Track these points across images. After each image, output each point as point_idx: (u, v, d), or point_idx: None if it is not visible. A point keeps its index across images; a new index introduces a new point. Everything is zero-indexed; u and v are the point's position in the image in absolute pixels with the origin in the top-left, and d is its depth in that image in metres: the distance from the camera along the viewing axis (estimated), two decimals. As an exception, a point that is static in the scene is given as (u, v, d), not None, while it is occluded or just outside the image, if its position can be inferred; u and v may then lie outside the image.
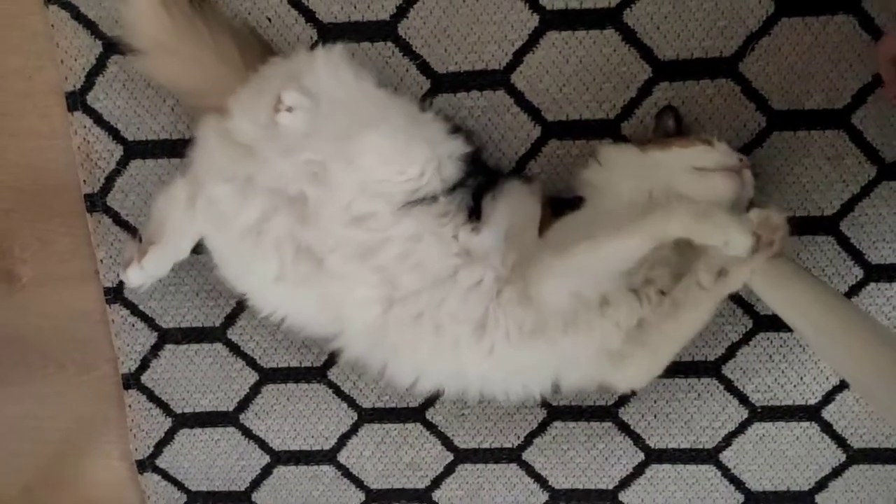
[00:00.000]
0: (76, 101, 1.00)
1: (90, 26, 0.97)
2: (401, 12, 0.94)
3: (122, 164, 1.02)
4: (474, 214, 0.83)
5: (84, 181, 1.03)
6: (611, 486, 1.09)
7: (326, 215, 0.80)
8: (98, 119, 1.00)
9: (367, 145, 0.79)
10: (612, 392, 1.04)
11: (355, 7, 0.94)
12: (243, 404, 1.11)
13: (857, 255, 0.96)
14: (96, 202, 1.03)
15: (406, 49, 0.95)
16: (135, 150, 1.01)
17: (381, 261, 0.81)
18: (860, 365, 0.59)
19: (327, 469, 1.13)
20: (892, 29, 0.82)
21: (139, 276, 0.88)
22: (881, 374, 0.55)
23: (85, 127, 1.01)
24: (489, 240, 0.82)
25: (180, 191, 0.88)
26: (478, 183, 0.85)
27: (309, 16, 0.94)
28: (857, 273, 0.96)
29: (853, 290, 0.97)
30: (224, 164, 0.83)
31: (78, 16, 0.97)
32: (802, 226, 0.95)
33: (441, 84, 0.95)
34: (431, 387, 0.88)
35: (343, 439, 1.11)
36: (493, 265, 0.81)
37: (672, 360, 0.84)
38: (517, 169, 0.97)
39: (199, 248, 0.91)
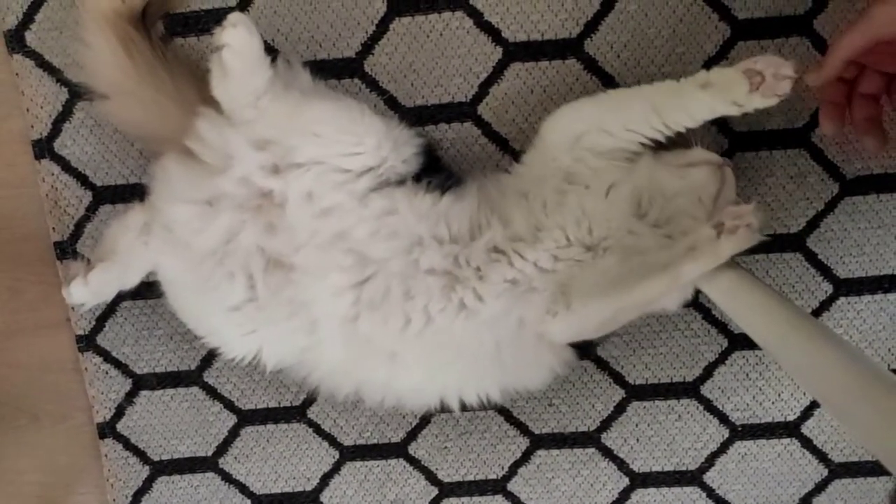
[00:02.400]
0: (43, 148, 0.99)
1: (55, 73, 0.97)
2: (366, 49, 0.95)
3: (92, 209, 1.01)
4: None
5: (53, 228, 1.02)
6: (598, 513, 1.08)
7: (294, 208, 0.80)
8: (66, 166, 1.00)
9: (322, 113, 0.80)
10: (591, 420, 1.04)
11: (321, 46, 0.95)
12: (222, 448, 1.09)
13: (825, 271, 0.97)
14: (66, 249, 1.02)
15: (373, 85, 0.96)
16: (104, 196, 1.01)
17: (352, 242, 0.81)
18: (828, 383, 0.60)
19: (310, 510, 1.11)
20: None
21: (82, 293, 0.85)
22: (848, 392, 0.56)
23: (53, 174, 1.00)
24: (468, 208, 0.84)
25: (136, 218, 0.86)
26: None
27: (275, 57, 0.95)
28: (827, 288, 0.98)
29: (824, 306, 0.98)
30: (184, 189, 0.82)
31: (43, 63, 0.97)
32: (770, 244, 0.96)
33: (409, 118, 0.96)
34: (406, 382, 0.86)
35: (325, 479, 1.09)
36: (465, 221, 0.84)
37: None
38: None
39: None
